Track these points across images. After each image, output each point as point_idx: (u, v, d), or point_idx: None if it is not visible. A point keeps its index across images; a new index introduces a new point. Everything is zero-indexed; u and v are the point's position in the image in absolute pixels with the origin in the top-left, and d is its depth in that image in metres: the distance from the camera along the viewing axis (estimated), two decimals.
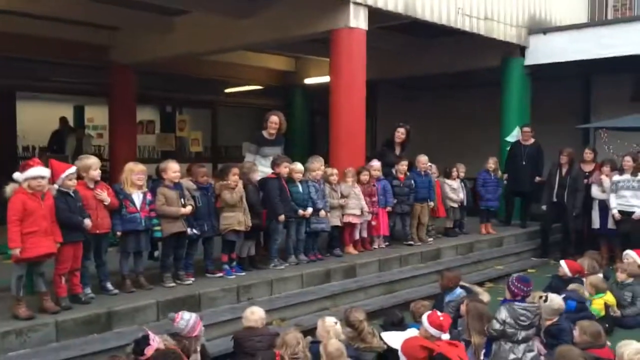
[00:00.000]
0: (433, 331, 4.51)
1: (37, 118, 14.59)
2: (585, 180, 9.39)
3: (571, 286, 6.39)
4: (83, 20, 10.34)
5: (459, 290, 5.99)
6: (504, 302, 5.18)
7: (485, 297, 5.98)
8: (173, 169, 6.03)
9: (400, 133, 8.98)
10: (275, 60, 14.59)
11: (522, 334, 4.83)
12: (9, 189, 4.89)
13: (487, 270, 8.93)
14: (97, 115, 15.80)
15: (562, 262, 7.03)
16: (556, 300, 5.42)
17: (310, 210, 7.22)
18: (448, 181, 9.46)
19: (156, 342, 4.13)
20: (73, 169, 5.31)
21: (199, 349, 4.58)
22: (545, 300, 5.32)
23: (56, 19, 10.19)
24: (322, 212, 7.32)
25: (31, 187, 4.87)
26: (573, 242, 9.60)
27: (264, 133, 7.65)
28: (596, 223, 9.26)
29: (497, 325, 4.86)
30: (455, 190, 9.48)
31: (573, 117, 12.55)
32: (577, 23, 11.79)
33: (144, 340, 4.13)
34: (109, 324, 5.16)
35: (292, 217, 7.12)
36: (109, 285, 5.68)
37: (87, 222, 5.27)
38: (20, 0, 8.95)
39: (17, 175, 4.91)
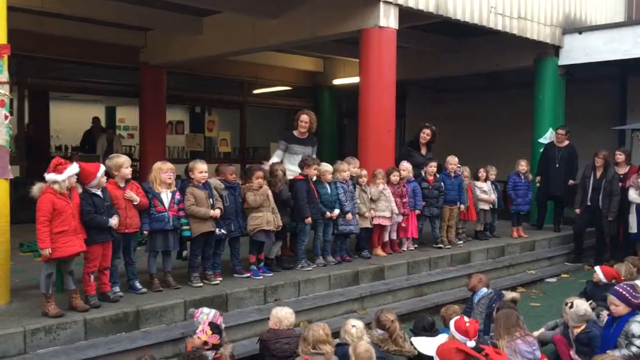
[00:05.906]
0: (459, 337, 4.35)
1: (70, 118, 14.89)
2: (620, 184, 9.12)
3: None
4: (114, 21, 10.48)
5: (486, 289, 5.82)
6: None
7: (511, 295, 5.81)
8: (199, 169, 5.99)
9: (426, 134, 8.85)
10: (304, 61, 14.60)
11: None
12: (36, 188, 4.89)
13: (518, 275, 8.76)
14: (128, 116, 16.06)
15: (597, 268, 6.78)
16: (582, 306, 5.20)
17: (337, 212, 7.15)
18: (478, 183, 9.30)
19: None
20: (104, 168, 5.33)
21: (228, 350, 4.50)
22: (571, 307, 5.13)
23: (88, 20, 10.34)
24: (349, 215, 7.24)
25: (70, 184, 4.91)
26: (608, 247, 9.37)
27: (294, 132, 7.61)
28: (633, 227, 8.94)
29: (634, 348, 4.62)
30: (486, 192, 9.31)
31: (609, 119, 12.26)
32: (614, 22, 11.50)
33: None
34: (137, 323, 5.17)
35: (320, 218, 7.07)
36: (137, 284, 5.69)
37: (114, 221, 5.24)
38: (52, 2, 9.08)
39: (54, 176, 4.82)
